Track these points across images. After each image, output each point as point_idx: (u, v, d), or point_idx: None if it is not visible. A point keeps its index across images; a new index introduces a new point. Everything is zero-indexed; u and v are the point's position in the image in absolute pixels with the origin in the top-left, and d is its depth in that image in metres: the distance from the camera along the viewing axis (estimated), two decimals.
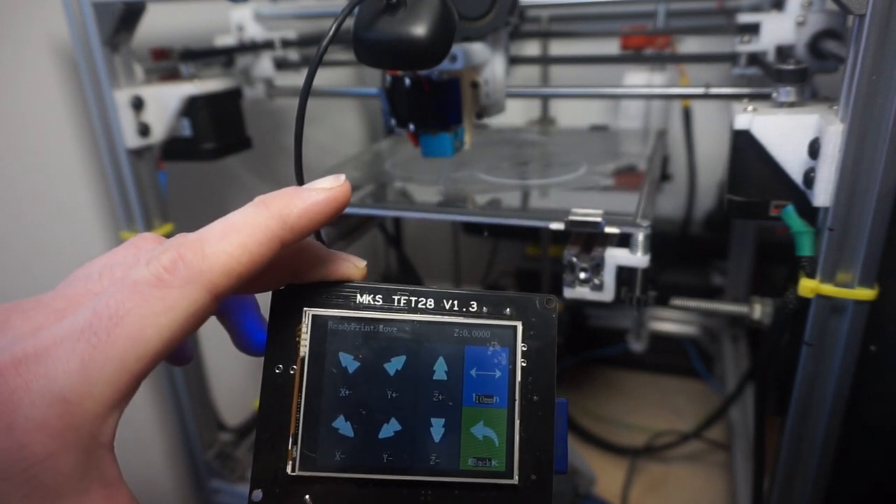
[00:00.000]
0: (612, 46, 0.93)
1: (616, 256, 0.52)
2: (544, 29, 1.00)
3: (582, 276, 0.54)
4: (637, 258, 0.52)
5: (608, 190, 0.69)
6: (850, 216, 0.44)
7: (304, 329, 0.25)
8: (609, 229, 0.52)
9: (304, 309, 0.25)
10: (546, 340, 0.26)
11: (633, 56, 0.91)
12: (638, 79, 0.95)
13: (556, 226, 0.54)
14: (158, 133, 0.69)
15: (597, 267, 0.53)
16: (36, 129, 0.69)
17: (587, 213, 0.53)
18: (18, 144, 0.67)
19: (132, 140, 0.68)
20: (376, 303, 0.26)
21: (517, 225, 0.57)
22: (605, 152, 0.84)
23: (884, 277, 0.45)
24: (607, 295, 0.53)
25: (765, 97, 0.52)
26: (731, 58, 0.73)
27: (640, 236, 0.51)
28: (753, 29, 0.68)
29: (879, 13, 0.39)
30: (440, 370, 0.25)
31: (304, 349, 0.25)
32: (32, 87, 0.68)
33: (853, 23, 0.41)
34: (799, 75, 0.49)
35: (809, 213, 0.48)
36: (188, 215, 0.87)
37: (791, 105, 0.49)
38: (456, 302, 0.26)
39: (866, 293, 0.45)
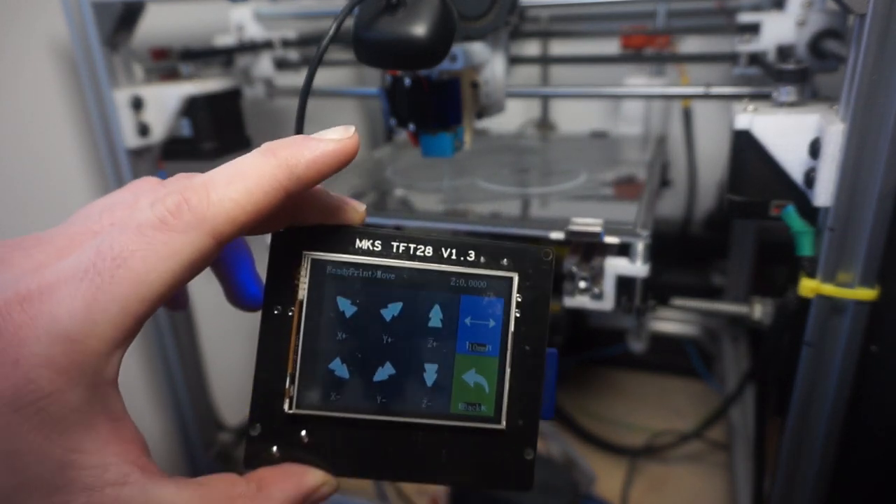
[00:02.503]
0: (612, 46, 0.93)
1: (616, 266, 0.53)
2: (544, 29, 1.00)
3: (582, 285, 0.54)
4: (637, 268, 0.52)
5: (608, 199, 0.69)
6: (851, 216, 0.44)
7: (303, 273, 0.25)
8: (609, 239, 0.53)
9: (304, 252, 0.25)
10: (541, 292, 0.26)
11: (633, 56, 0.91)
12: (638, 82, 0.95)
13: (557, 235, 0.54)
14: (158, 133, 0.69)
15: (596, 276, 0.53)
16: (35, 128, 0.69)
17: (587, 222, 0.54)
18: (18, 144, 0.67)
19: (132, 140, 0.68)
20: (375, 248, 0.26)
21: (517, 235, 0.57)
22: (605, 159, 0.85)
23: (884, 277, 0.45)
24: (607, 304, 0.54)
25: (765, 97, 0.52)
26: (732, 58, 0.73)
27: (640, 246, 0.51)
28: (754, 29, 0.68)
29: (880, 13, 0.39)
30: (435, 317, 0.26)
31: (303, 292, 0.25)
32: (32, 86, 0.68)
33: (854, 22, 0.41)
34: (799, 75, 0.49)
35: (810, 213, 0.48)
36: None
37: (791, 105, 0.49)
38: (454, 251, 0.26)
39: (867, 293, 0.45)
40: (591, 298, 0.54)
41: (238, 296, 0.29)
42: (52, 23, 0.67)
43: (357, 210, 0.26)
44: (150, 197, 0.22)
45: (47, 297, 0.19)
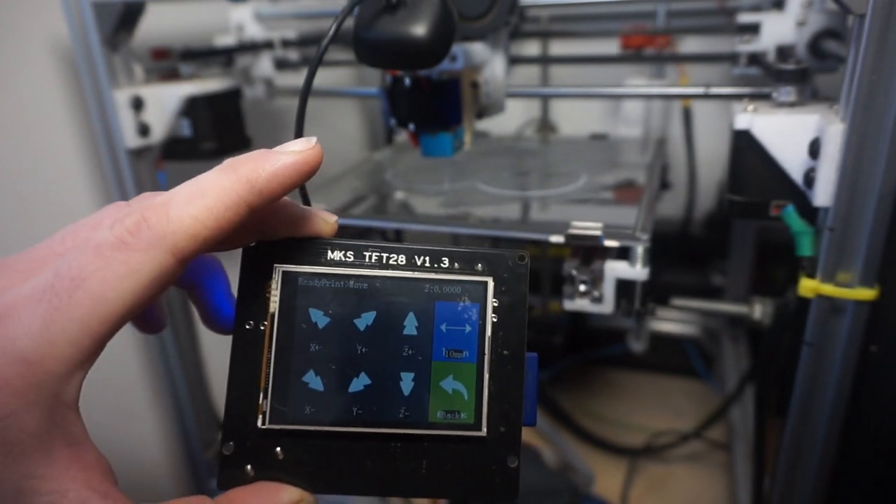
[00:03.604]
0: (612, 46, 0.93)
1: (615, 269, 0.53)
2: (544, 29, 1.00)
3: (582, 288, 0.54)
4: (636, 271, 0.52)
5: (608, 202, 0.69)
6: (851, 216, 0.44)
7: (274, 286, 0.25)
8: (608, 242, 0.53)
9: (275, 265, 0.25)
10: (517, 296, 0.26)
11: (633, 56, 0.91)
12: (638, 83, 0.95)
13: (556, 239, 0.54)
14: (158, 133, 0.69)
15: (596, 280, 0.53)
16: (35, 128, 0.69)
17: (587, 226, 0.54)
18: (18, 144, 0.67)
19: (132, 140, 0.68)
20: (347, 259, 0.25)
21: (517, 238, 0.57)
22: (605, 162, 0.85)
23: (884, 277, 0.45)
24: (607, 307, 0.54)
25: (765, 97, 0.52)
26: (731, 58, 0.73)
27: (640, 249, 0.52)
28: (753, 29, 0.68)
29: (880, 13, 0.39)
30: (410, 325, 0.25)
31: (275, 305, 0.25)
32: (32, 86, 0.68)
33: (853, 22, 0.41)
34: (799, 75, 0.49)
35: (810, 213, 0.48)
36: None
37: (791, 105, 0.49)
38: (427, 258, 0.26)
39: (867, 293, 0.45)
40: (591, 301, 0.54)
41: (213, 318, 0.28)
42: (52, 23, 0.67)
43: (328, 221, 0.26)
44: (112, 218, 0.21)
45: (5, 319, 0.19)
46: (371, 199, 0.72)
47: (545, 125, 1.14)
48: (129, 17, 0.65)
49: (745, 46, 0.70)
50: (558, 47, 1.07)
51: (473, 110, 0.58)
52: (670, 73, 1.04)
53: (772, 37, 0.67)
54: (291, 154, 0.23)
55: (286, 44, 0.84)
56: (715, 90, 0.60)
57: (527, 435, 0.99)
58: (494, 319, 0.26)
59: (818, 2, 0.63)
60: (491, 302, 0.26)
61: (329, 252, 0.25)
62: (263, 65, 0.82)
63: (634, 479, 0.90)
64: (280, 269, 0.25)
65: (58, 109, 0.71)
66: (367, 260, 0.25)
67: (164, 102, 0.68)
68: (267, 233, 0.25)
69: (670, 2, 0.91)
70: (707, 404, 1.00)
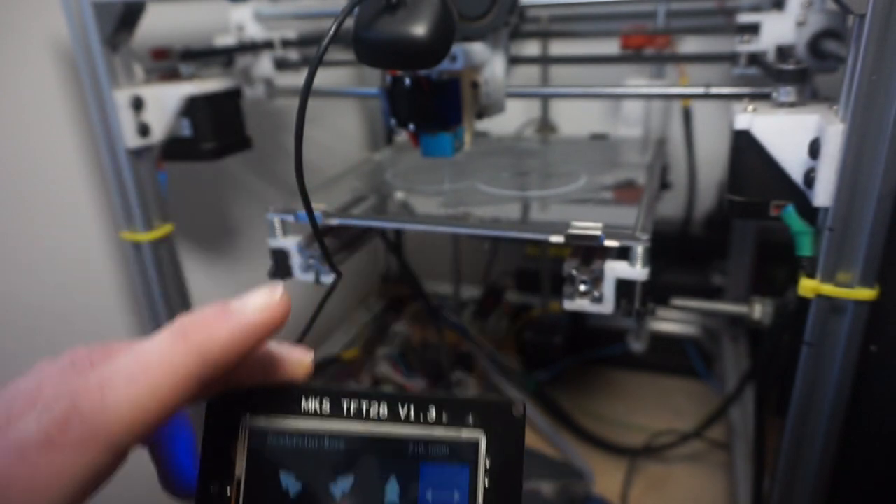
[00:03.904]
0: (612, 46, 0.93)
1: (615, 269, 0.53)
2: (544, 29, 1.00)
3: (582, 288, 0.54)
4: (636, 271, 0.52)
5: (608, 202, 0.69)
6: (851, 216, 0.44)
7: (240, 445, 0.22)
8: (608, 242, 0.53)
9: (241, 420, 0.23)
10: (512, 454, 0.23)
11: (633, 56, 0.91)
12: (638, 83, 0.95)
13: (556, 239, 0.54)
14: (158, 133, 0.69)
15: (596, 280, 0.53)
16: (36, 128, 0.69)
17: (587, 226, 0.54)
18: (18, 144, 0.67)
19: (132, 140, 0.68)
20: (323, 410, 0.23)
21: (517, 238, 0.57)
22: (605, 162, 0.85)
23: (884, 277, 0.45)
24: (607, 307, 0.54)
25: (765, 97, 0.52)
26: (731, 58, 0.73)
27: (640, 249, 0.52)
28: (753, 29, 0.68)
29: (880, 13, 0.39)
30: (392, 492, 0.23)
31: (241, 468, 0.22)
32: (32, 86, 0.68)
33: (853, 23, 0.41)
34: (799, 75, 0.49)
35: (809, 213, 0.48)
36: (188, 215, 0.87)
37: (791, 105, 0.49)
38: (412, 408, 0.23)
39: (866, 293, 0.45)
40: (591, 301, 0.54)
41: (174, 480, 0.25)
42: (52, 23, 0.67)
43: (302, 363, 0.24)
44: (44, 401, 0.19)
45: None
46: (371, 199, 0.72)
47: (545, 125, 1.14)
48: (129, 17, 0.65)
49: (745, 46, 0.70)
50: (558, 47, 1.07)
51: (473, 110, 0.58)
52: (670, 73, 1.04)
53: (772, 37, 0.67)
54: (252, 313, 0.20)
55: (286, 44, 0.84)
56: (715, 90, 0.60)
57: (527, 436, 0.99)
58: (486, 485, 0.23)
59: (818, 2, 0.63)
60: (483, 463, 0.23)
61: (303, 400, 0.23)
62: (263, 65, 0.82)
63: (634, 479, 0.90)
64: (247, 426, 0.23)
65: (58, 109, 0.71)
66: (344, 411, 0.23)
67: (164, 102, 0.68)
68: (233, 381, 0.22)
69: (670, 2, 0.91)
70: (707, 404, 1.00)
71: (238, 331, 0.20)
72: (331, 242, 0.66)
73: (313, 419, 0.23)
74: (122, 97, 0.66)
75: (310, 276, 0.64)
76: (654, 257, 0.52)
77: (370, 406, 0.23)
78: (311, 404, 0.23)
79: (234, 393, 0.23)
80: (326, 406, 0.23)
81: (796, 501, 0.53)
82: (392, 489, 0.23)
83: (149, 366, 0.19)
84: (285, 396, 0.23)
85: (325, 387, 0.23)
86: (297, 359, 0.24)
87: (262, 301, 0.21)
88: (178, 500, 0.25)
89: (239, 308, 0.20)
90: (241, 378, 0.23)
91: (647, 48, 0.90)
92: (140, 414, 0.18)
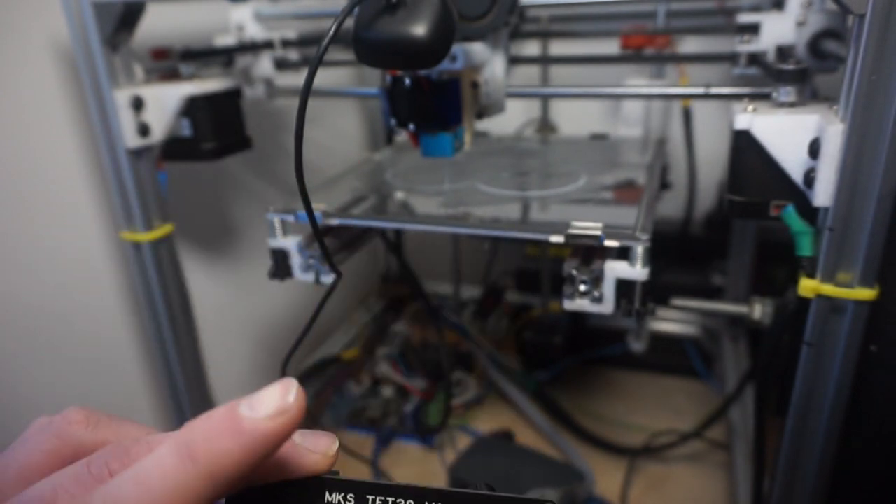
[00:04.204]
0: (612, 46, 0.93)
1: (615, 269, 0.53)
2: (544, 29, 1.00)
3: (582, 288, 0.54)
4: (636, 271, 0.52)
5: (608, 202, 0.69)
6: (851, 216, 0.44)
7: None
8: (608, 242, 0.53)
9: None
10: None
11: (633, 56, 0.91)
12: (638, 83, 0.95)
13: (556, 238, 0.54)
14: (158, 133, 0.69)
15: (596, 280, 0.53)
16: (36, 128, 0.69)
17: (587, 226, 0.54)
18: (18, 144, 0.67)
19: (132, 140, 0.68)
20: None
21: (517, 238, 0.57)
22: (605, 162, 0.85)
23: (884, 277, 0.45)
24: (607, 307, 0.54)
25: (765, 97, 0.52)
26: (731, 58, 0.73)
27: (640, 249, 0.52)
28: (753, 29, 0.68)
29: (879, 13, 0.39)
30: None
31: None
32: (32, 86, 0.68)
33: (853, 23, 0.41)
34: (799, 75, 0.49)
35: (809, 213, 0.48)
36: (188, 215, 0.87)
37: (791, 105, 0.49)
38: None
39: (866, 293, 0.45)
40: (591, 301, 0.54)
41: None
42: (52, 23, 0.67)
43: (327, 454, 0.22)
44: None
45: None
46: (371, 199, 0.72)
47: (545, 125, 1.14)
48: (129, 18, 0.65)
49: (745, 46, 0.70)
50: (558, 47, 1.08)
51: (473, 110, 0.58)
52: (670, 73, 1.04)
53: (771, 37, 0.67)
54: (265, 421, 0.18)
55: (286, 44, 0.84)
56: (715, 90, 0.60)
57: (527, 436, 0.99)
58: None
59: (818, 2, 0.63)
60: None
61: (327, 495, 0.22)
62: (263, 65, 0.82)
63: (634, 479, 0.90)
64: None
65: (58, 109, 0.71)
66: None
67: (164, 102, 0.68)
68: (254, 476, 0.21)
69: (670, 2, 0.91)
70: (707, 404, 1.00)
71: (250, 445, 0.18)
72: (331, 242, 0.66)
73: None
74: (122, 97, 0.66)
75: (310, 276, 0.64)
76: (654, 257, 0.52)
77: (396, 501, 0.22)
78: (335, 498, 0.22)
79: (254, 489, 0.21)
80: (351, 500, 0.22)
81: (796, 501, 0.53)
82: None
83: (153, 491, 0.17)
84: (308, 491, 0.22)
85: (350, 481, 0.22)
86: (323, 450, 0.22)
87: (274, 405, 0.19)
88: None
89: (249, 416, 0.18)
90: (261, 475, 0.21)
91: (647, 48, 0.90)
92: None
